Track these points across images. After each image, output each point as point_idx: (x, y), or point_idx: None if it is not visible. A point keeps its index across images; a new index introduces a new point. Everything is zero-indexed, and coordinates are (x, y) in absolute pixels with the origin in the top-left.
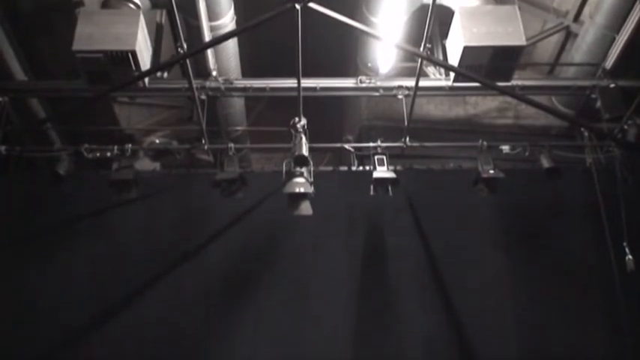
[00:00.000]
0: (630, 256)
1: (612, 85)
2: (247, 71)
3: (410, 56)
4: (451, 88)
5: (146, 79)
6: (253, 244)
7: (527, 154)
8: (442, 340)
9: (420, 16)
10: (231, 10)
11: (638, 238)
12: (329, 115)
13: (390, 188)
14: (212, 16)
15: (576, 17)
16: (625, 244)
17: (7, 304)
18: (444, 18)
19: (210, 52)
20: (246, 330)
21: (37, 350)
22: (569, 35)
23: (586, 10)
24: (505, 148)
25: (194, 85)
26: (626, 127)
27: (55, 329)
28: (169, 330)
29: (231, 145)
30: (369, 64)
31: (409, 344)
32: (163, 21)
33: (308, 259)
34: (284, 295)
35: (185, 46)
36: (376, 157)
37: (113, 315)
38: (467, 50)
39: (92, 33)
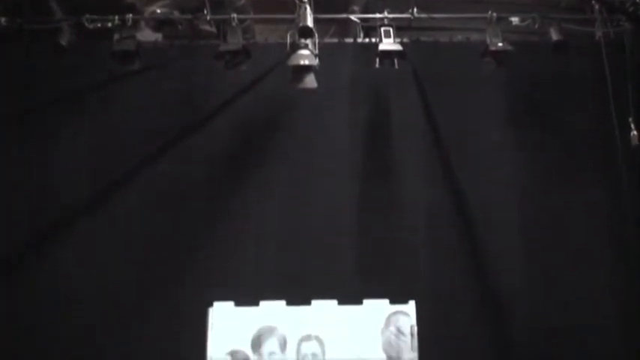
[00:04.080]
0: (635, 132)
1: None
2: None
3: None
4: None
5: None
6: (256, 116)
7: (536, 26)
8: (444, 207)
9: None
10: None
11: None
12: None
13: (395, 61)
14: None
15: None
16: (630, 119)
17: (7, 179)
18: None
19: None
20: (251, 204)
21: (37, 224)
22: None
23: None
24: (514, 19)
25: None
26: (638, 0)
27: (56, 203)
28: (172, 204)
29: (234, 15)
30: None
31: (411, 213)
32: None
33: (312, 132)
34: (287, 167)
35: None
36: (382, 29)
37: (116, 189)
38: None
39: None
